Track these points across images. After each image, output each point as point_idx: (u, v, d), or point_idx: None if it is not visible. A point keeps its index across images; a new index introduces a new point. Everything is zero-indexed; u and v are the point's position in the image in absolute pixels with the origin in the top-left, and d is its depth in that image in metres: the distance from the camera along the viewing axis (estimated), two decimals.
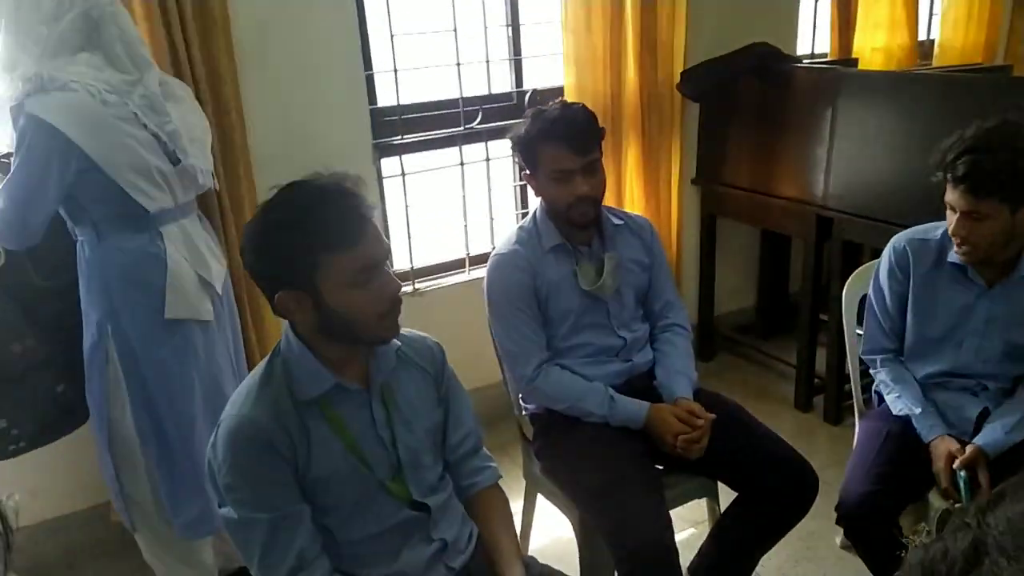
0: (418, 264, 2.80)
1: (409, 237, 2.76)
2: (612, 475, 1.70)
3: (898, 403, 1.88)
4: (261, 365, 1.29)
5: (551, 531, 2.23)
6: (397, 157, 2.66)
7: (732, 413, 1.89)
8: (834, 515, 1.78)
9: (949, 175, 1.65)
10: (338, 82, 2.47)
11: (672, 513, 1.71)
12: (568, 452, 1.84)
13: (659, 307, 2.03)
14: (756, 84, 2.97)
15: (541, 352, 1.86)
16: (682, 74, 2.98)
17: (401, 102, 2.61)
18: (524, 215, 2.94)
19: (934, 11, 3.89)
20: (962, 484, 1.71)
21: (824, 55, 3.53)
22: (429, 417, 1.40)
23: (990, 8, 3.77)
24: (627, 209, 2.86)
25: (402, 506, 1.34)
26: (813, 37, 3.56)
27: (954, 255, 1.77)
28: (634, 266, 1.96)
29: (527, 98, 2.84)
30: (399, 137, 2.64)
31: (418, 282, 2.78)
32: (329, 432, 1.27)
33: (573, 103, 1.84)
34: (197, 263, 1.88)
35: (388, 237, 2.64)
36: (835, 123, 2.67)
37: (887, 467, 1.78)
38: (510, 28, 2.81)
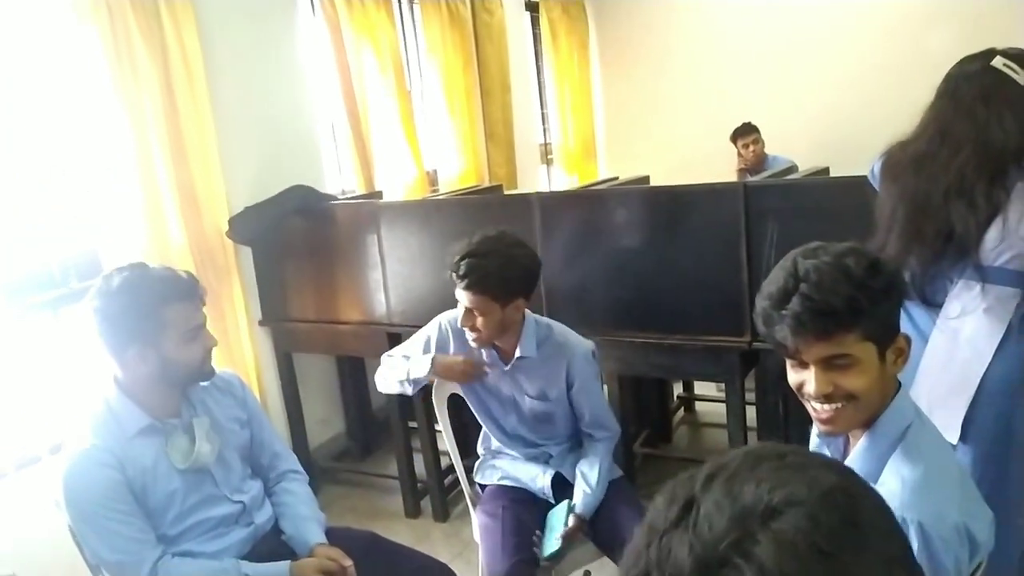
0: None
1: None
2: None
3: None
4: None
5: None
6: None
7: (366, 543, 1.90)
8: None
9: (454, 275, 1.96)
10: None
11: None
12: None
13: (267, 460, 1.96)
14: (302, 223, 3.12)
15: (152, 550, 1.63)
16: (229, 221, 2.98)
17: None
18: (77, 399, 2.57)
19: (432, 146, 4.59)
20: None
21: (353, 191, 3.87)
22: None
23: (471, 141, 4.62)
24: None
25: None
26: (340, 175, 3.89)
27: None
28: (233, 424, 1.86)
29: (56, 267, 2.52)
30: None
31: None
32: None
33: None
34: None
35: None
36: (382, 249, 2.95)
37: (516, 537, 1.97)
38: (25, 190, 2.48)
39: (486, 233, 1.97)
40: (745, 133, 4.88)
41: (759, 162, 4.85)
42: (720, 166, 4.87)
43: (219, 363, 2.79)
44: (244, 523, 1.80)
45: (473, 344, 2.05)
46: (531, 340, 2.07)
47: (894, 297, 1.19)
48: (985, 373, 1.61)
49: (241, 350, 3.05)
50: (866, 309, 1.13)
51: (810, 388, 1.19)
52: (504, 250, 1.94)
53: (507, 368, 2.10)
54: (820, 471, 0.61)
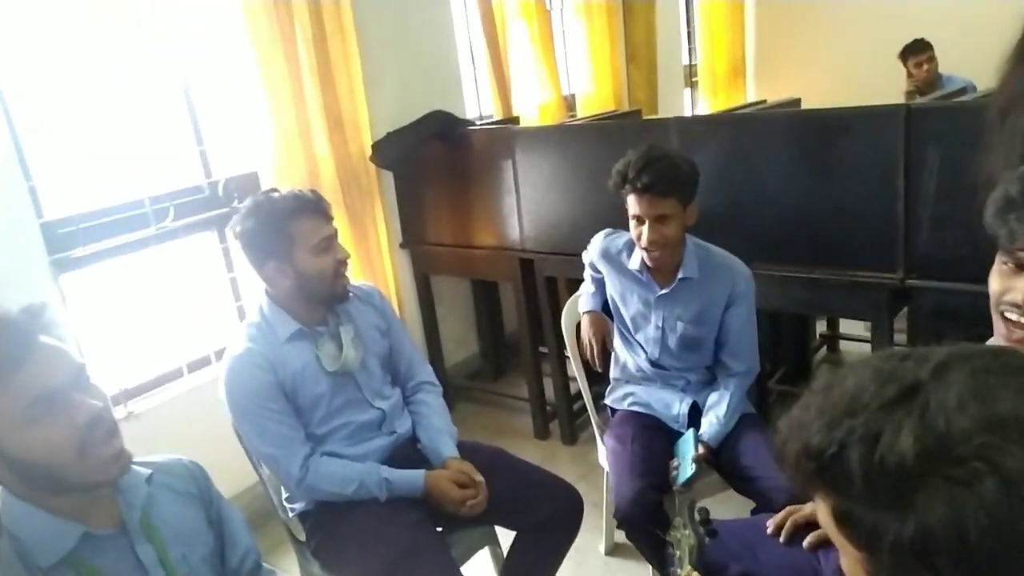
0: (128, 384, 2.51)
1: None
2: (399, 549, 1.69)
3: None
4: None
5: None
6: (82, 270, 2.38)
7: (495, 458, 1.98)
8: (595, 526, 1.94)
9: (633, 186, 1.89)
10: None
11: (462, 569, 1.74)
12: (348, 540, 1.78)
13: (404, 368, 2.07)
14: (440, 149, 3.18)
15: (303, 447, 1.78)
16: (372, 146, 3.09)
17: (78, 211, 2.35)
18: (240, 308, 2.81)
19: (571, 69, 4.51)
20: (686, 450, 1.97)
21: (491, 116, 3.89)
22: (203, 544, 1.27)
23: (611, 63, 4.48)
24: None
25: None
26: (478, 100, 3.92)
27: (634, 262, 2.07)
28: (374, 333, 1.97)
29: (220, 187, 2.72)
30: (80, 249, 2.36)
31: (131, 403, 2.49)
32: None
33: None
34: None
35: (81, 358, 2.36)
36: (517, 175, 2.96)
37: (644, 463, 1.99)
38: (192, 118, 2.69)
39: (639, 149, 1.92)
40: (917, 51, 4.42)
41: (931, 83, 4.39)
42: (885, 88, 4.46)
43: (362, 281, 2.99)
44: (386, 431, 1.92)
45: (652, 262, 2.01)
46: (693, 260, 2.04)
47: None
48: None
49: (384, 270, 3.20)
50: None
51: (1017, 296, 1.05)
52: (674, 153, 1.96)
53: (665, 292, 2.07)
54: None
